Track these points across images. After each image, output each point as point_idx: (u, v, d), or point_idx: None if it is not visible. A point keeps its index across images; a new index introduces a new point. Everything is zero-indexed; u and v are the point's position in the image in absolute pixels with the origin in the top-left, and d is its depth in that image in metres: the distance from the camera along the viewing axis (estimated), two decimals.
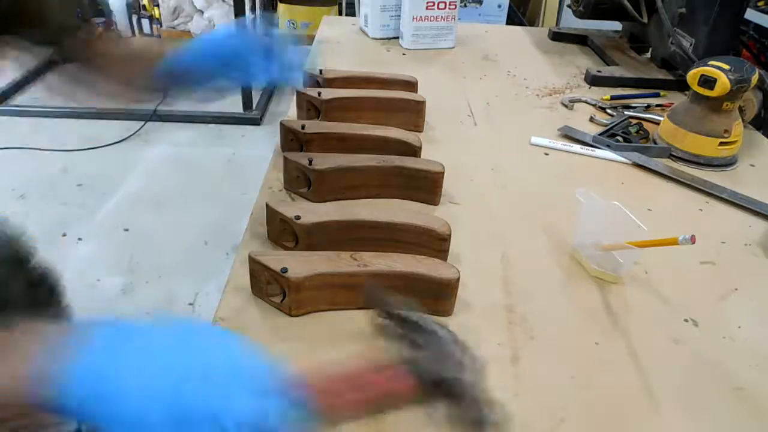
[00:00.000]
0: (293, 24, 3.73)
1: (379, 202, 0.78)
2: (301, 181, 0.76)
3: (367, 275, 0.59)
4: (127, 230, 2.13)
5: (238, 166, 2.59)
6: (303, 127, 0.81)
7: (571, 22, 1.62)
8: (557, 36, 1.51)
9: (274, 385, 0.36)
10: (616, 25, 1.47)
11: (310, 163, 0.73)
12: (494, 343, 0.59)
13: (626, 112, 1.09)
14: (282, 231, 0.67)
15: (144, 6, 3.78)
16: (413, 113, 0.95)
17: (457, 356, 0.42)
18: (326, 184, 0.74)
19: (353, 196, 0.77)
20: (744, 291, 0.69)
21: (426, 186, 0.77)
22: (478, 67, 1.30)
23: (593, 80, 1.22)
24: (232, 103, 2.89)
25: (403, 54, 1.36)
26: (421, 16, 1.34)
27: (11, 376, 0.35)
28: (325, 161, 0.74)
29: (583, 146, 0.97)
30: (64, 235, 2.07)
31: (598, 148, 0.97)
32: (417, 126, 0.96)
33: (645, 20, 1.28)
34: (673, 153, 0.96)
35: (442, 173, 0.77)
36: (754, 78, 0.90)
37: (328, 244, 0.65)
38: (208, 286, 1.89)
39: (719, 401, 0.55)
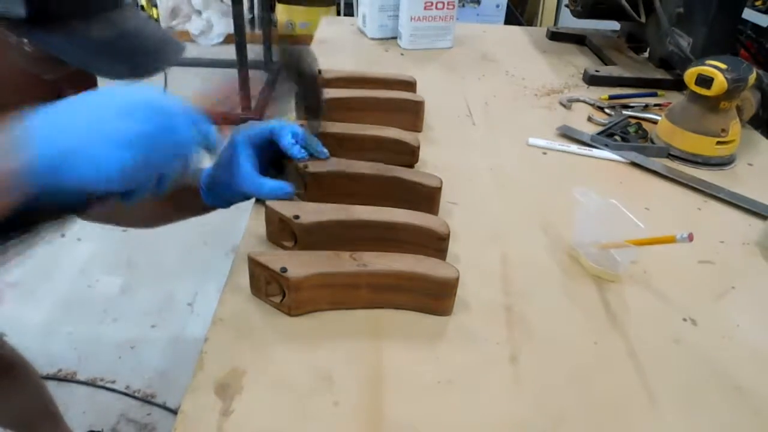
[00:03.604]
0: (292, 24, 3.73)
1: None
2: (299, 183, 0.76)
3: (366, 275, 0.60)
4: (125, 230, 2.13)
5: None
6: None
7: (569, 22, 1.62)
8: (555, 36, 1.52)
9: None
10: (614, 25, 1.48)
11: (306, 166, 0.73)
12: (493, 343, 0.59)
13: (624, 112, 1.09)
14: (281, 231, 0.67)
15: (142, 6, 3.78)
16: (412, 114, 0.95)
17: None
18: (321, 188, 0.74)
19: (349, 202, 0.76)
20: (742, 290, 0.70)
21: (422, 200, 0.74)
22: (477, 67, 1.30)
23: (591, 80, 1.22)
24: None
25: (402, 54, 1.36)
26: (419, 16, 1.34)
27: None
28: (320, 164, 0.74)
29: (581, 146, 0.97)
30: (63, 235, 2.07)
31: (597, 147, 0.97)
32: (416, 127, 0.96)
33: (643, 20, 1.28)
34: (671, 152, 0.96)
35: (439, 188, 0.74)
36: (752, 77, 0.90)
37: (327, 243, 0.65)
38: (207, 286, 1.88)
39: (718, 400, 0.55)
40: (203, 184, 0.72)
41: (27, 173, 0.43)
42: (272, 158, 0.72)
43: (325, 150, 0.73)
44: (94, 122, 0.45)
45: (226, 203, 0.73)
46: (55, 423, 1.29)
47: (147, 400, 1.52)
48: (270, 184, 0.67)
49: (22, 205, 0.44)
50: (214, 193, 0.72)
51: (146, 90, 0.48)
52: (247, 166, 0.67)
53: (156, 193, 0.51)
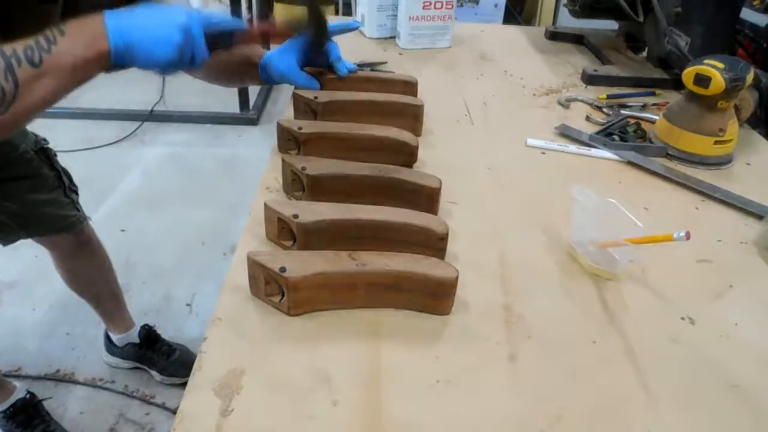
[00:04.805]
0: None
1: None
2: (297, 184, 0.76)
3: (365, 274, 0.60)
4: (123, 231, 2.12)
5: (235, 167, 2.58)
6: (300, 127, 0.81)
7: (568, 22, 1.62)
8: (554, 35, 1.52)
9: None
10: (613, 25, 1.48)
11: (304, 167, 0.73)
12: (492, 342, 0.59)
13: (622, 111, 1.10)
14: (280, 230, 0.67)
15: None
16: (411, 117, 0.93)
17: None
18: (319, 190, 0.74)
19: (349, 203, 0.75)
20: (740, 289, 0.70)
21: (422, 201, 0.74)
22: (475, 67, 1.30)
23: (590, 79, 1.23)
24: (229, 103, 2.89)
25: (400, 54, 1.36)
26: (417, 16, 1.35)
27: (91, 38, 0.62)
28: (318, 166, 0.73)
29: (579, 145, 0.98)
30: None
31: (595, 147, 0.97)
32: (415, 131, 0.93)
33: (641, 19, 1.28)
34: (669, 152, 0.96)
35: (439, 189, 0.73)
36: (749, 77, 0.90)
37: (326, 243, 0.65)
38: (205, 286, 1.88)
39: (716, 398, 0.55)
40: (262, 63, 0.91)
41: (107, 57, 0.63)
42: (309, 60, 0.91)
43: (345, 70, 0.93)
44: (151, 26, 0.66)
45: (272, 81, 0.93)
46: (118, 304, 1.53)
47: (146, 400, 1.52)
48: (304, 77, 0.90)
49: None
50: (266, 72, 0.91)
51: (176, 8, 0.69)
52: (293, 60, 0.89)
53: (193, 68, 0.72)
